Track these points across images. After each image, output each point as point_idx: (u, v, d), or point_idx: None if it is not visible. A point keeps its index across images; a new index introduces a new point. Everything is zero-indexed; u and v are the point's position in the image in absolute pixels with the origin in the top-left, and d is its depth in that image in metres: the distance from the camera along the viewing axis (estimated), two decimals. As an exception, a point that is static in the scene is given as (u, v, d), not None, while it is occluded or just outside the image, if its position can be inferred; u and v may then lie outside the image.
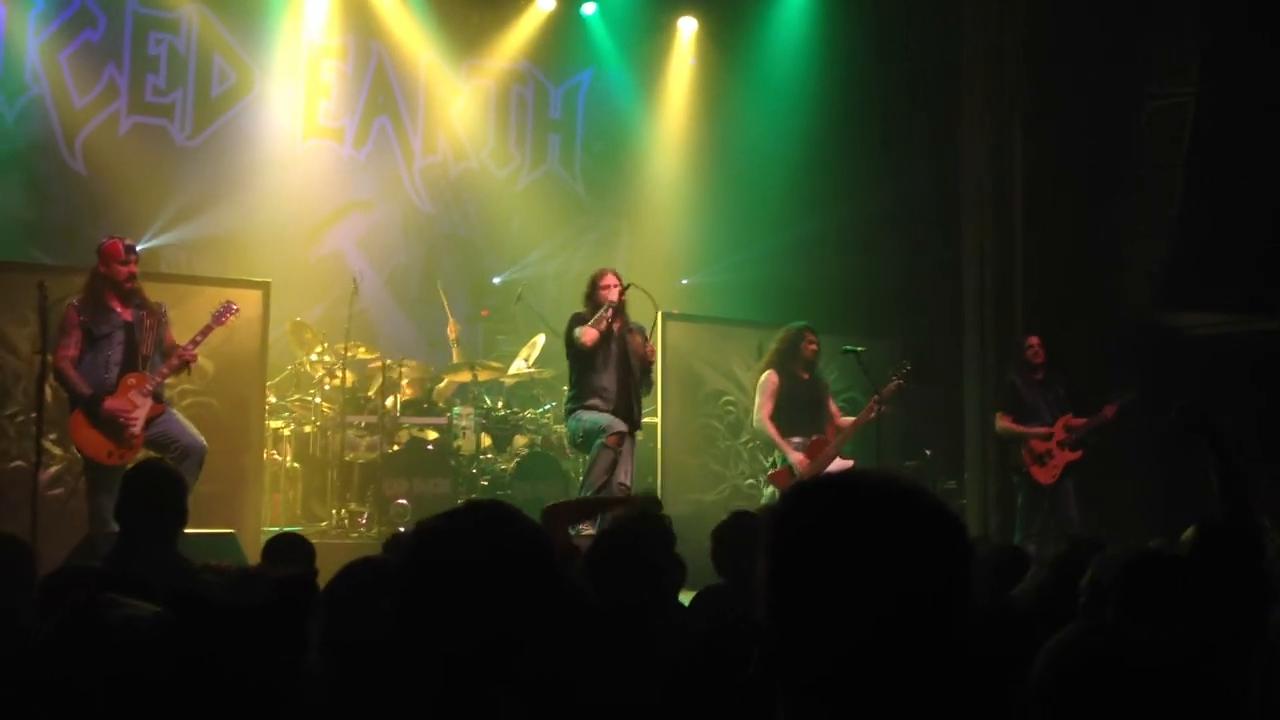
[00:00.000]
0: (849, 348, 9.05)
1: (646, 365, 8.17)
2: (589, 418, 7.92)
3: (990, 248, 10.97)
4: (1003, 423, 9.16)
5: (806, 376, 8.91)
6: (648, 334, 8.28)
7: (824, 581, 1.36)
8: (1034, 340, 9.24)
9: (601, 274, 8.21)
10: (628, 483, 8.00)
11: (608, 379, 7.97)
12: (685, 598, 4.07)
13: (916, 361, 9.27)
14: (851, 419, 8.89)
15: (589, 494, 7.67)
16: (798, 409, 8.78)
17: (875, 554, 1.36)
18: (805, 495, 1.46)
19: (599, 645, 2.25)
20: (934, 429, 10.56)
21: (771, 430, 8.68)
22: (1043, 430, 8.97)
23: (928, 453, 10.33)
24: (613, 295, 7.97)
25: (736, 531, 4.30)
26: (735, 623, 2.46)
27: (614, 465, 7.83)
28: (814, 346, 8.92)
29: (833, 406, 9.05)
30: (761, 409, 8.78)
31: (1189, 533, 3.51)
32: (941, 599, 1.37)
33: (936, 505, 1.42)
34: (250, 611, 1.87)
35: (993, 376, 10.45)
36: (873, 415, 8.66)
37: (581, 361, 8.01)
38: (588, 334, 7.89)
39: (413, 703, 1.74)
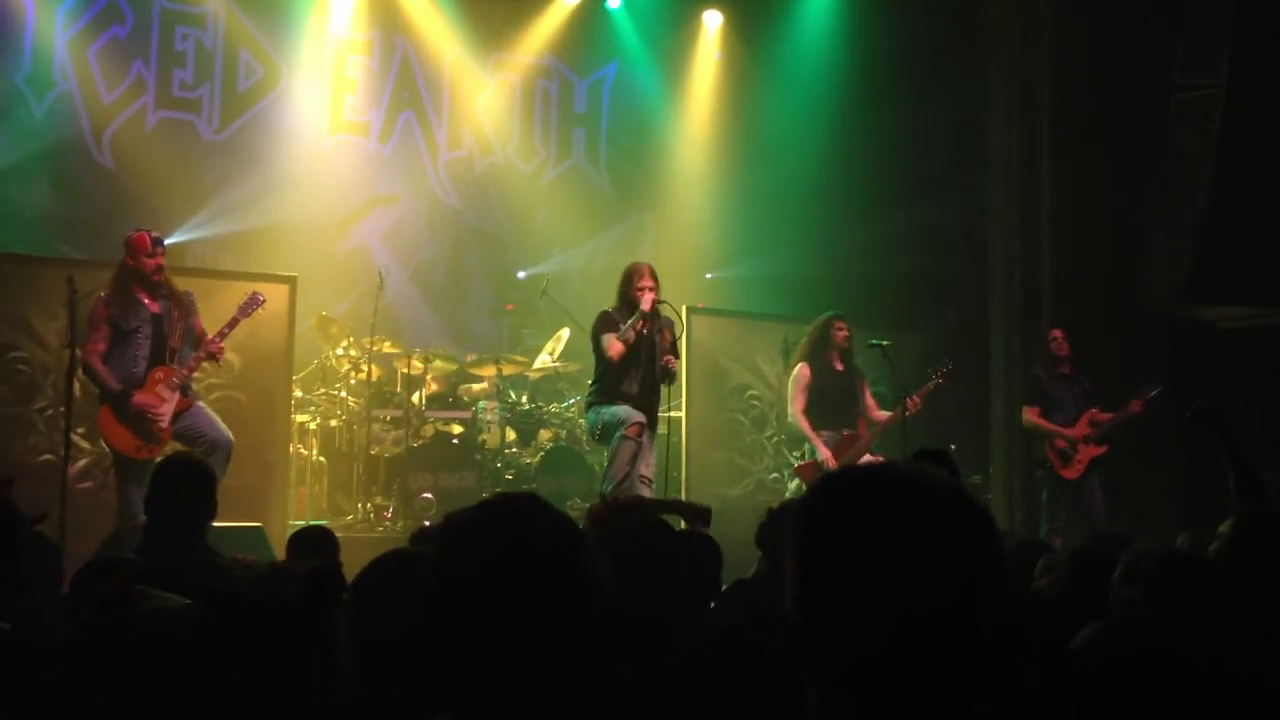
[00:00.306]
0: (875, 341, 9.01)
1: (667, 374, 8.07)
2: (608, 410, 7.90)
3: (1017, 241, 10.93)
4: (1029, 416, 9.13)
5: (841, 367, 8.84)
6: (677, 332, 8.21)
7: (852, 574, 1.36)
8: (1058, 333, 9.21)
9: (636, 271, 8.05)
10: (649, 475, 7.97)
11: (632, 379, 7.92)
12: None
13: (944, 356, 9.23)
14: (886, 414, 8.83)
15: (610, 487, 7.65)
16: (830, 402, 8.73)
17: (904, 547, 1.36)
18: (833, 487, 1.46)
19: (625, 642, 2.25)
20: (959, 423, 10.53)
21: (804, 424, 8.65)
22: (1069, 432, 8.92)
23: (953, 447, 10.28)
24: (646, 297, 7.84)
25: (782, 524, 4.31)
26: (762, 616, 2.46)
27: (635, 456, 7.80)
28: (844, 333, 8.84)
29: (868, 398, 8.96)
30: (794, 403, 8.74)
31: (1224, 527, 3.48)
32: (970, 592, 1.37)
33: (965, 498, 1.42)
34: (278, 605, 1.88)
35: (1019, 371, 10.42)
36: (906, 414, 8.60)
37: (606, 359, 7.98)
38: (614, 347, 7.82)
39: (441, 698, 1.74)
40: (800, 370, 8.80)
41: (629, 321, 7.82)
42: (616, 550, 3.04)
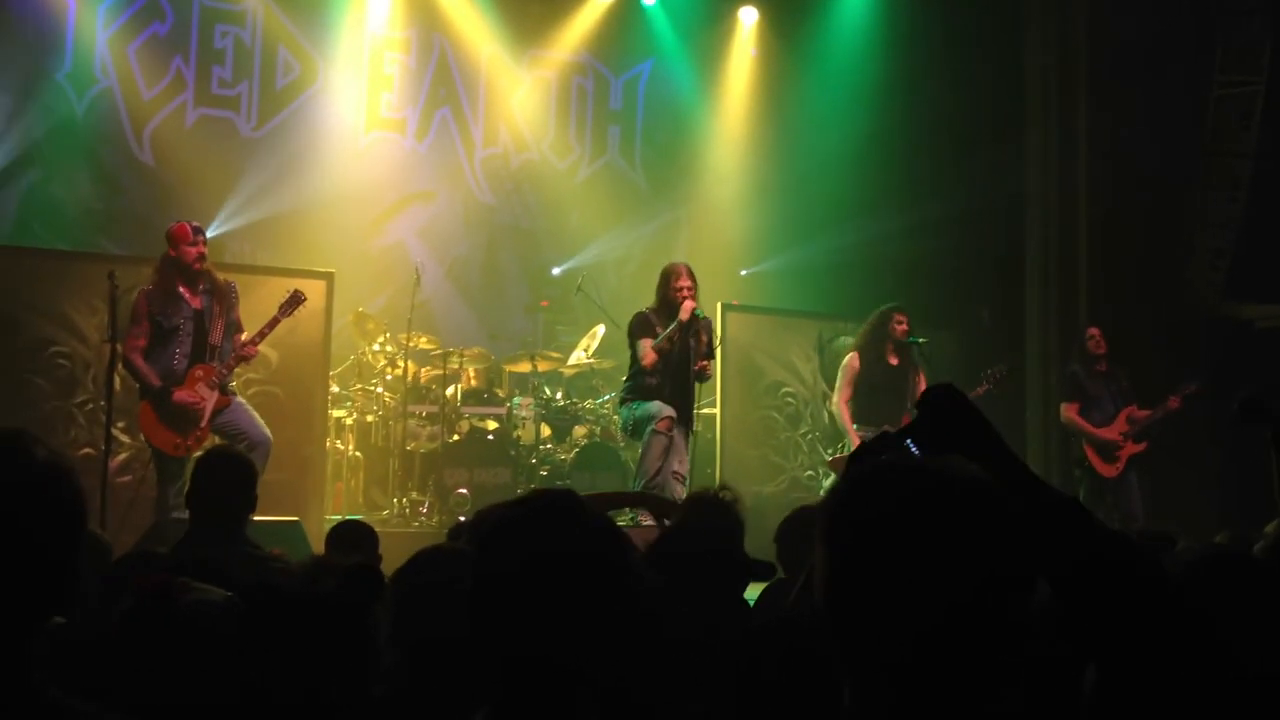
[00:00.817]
0: (911, 339, 8.96)
1: (701, 376, 8.06)
2: (640, 406, 7.90)
3: (1053, 238, 10.86)
4: (1068, 413, 9.06)
5: (895, 361, 8.74)
6: (715, 332, 8.20)
7: (881, 569, 1.37)
8: (1095, 331, 9.14)
9: (675, 271, 8.04)
10: (683, 472, 7.97)
11: (665, 379, 7.94)
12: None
13: (978, 353, 9.19)
14: None
15: (642, 483, 7.66)
16: (876, 396, 8.60)
17: (932, 542, 1.36)
18: (862, 482, 1.46)
19: (668, 647, 2.24)
20: (994, 420, 10.44)
21: (845, 415, 8.57)
22: (1104, 432, 8.86)
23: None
24: (686, 305, 7.81)
25: (801, 526, 4.27)
26: (801, 617, 2.45)
27: (667, 451, 7.80)
28: (903, 327, 8.71)
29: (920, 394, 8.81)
30: (839, 393, 8.67)
31: (1271, 527, 3.44)
32: (1007, 586, 1.37)
33: (992, 493, 1.42)
34: (316, 599, 1.89)
35: (1055, 368, 10.35)
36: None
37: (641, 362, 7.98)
38: (648, 355, 7.84)
39: (479, 694, 1.75)
40: (849, 360, 8.72)
41: (666, 330, 7.82)
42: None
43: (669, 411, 7.83)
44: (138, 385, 7.17)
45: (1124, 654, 1.57)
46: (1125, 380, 9.06)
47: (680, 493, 7.84)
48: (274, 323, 7.33)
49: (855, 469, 1.52)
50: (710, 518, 3.32)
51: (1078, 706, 1.80)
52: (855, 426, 8.52)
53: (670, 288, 7.95)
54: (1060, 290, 10.76)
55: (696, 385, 8.08)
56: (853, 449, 8.42)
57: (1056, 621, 1.64)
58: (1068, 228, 10.81)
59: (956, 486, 1.41)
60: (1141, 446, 8.88)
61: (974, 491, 1.41)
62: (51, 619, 1.50)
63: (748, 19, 12.80)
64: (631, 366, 8.14)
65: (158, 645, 1.93)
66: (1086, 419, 8.98)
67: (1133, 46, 10.45)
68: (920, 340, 8.88)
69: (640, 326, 7.99)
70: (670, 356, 7.89)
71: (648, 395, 7.91)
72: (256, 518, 6.72)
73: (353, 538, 4.65)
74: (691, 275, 7.98)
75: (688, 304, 7.81)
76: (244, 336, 7.36)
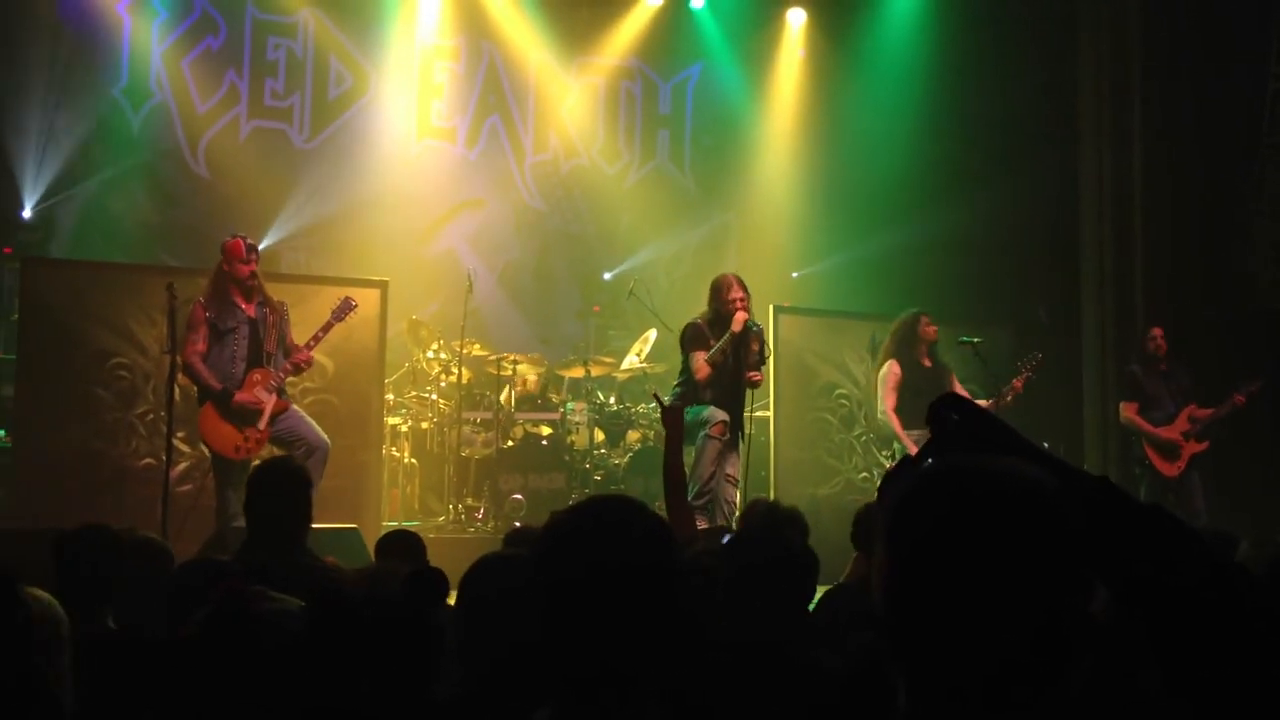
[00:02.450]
0: (965, 338, 8.90)
1: (752, 384, 8.02)
2: (691, 410, 7.86)
3: (1109, 234, 10.75)
4: (1127, 413, 8.95)
5: (929, 363, 8.72)
6: (766, 341, 8.16)
7: (943, 573, 1.35)
8: (1157, 331, 9.01)
9: (726, 283, 7.98)
10: (736, 475, 7.95)
11: (717, 387, 7.88)
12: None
13: (1035, 351, 9.09)
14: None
15: (696, 487, 7.63)
16: (921, 399, 8.56)
17: (997, 546, 1.34)
18: (926, 484, 1.44)
19: (728, 653, 2.24)
20: (1052, 421, 10.36)
21: (895, 423, 8.54)
22: (1165, 432, 8.75)
23: (1045, 445, 10.12)
24: (738, 317, 7.76)
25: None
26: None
27: (720, 456, 7.78)
28: (932, 329, 8.72)
29: (960, 393, 8.74)
30: (884, 401, 8.64)
31: None
32: (1063, 592, 1.35)
33: (1057, 497, 1.40)
34: (384, 604, 1.90)
35: (1113, 366, 10.23)
36: (1004, 401, 8.48)
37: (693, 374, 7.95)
38: (701, 370, 7.80)
39: (541, 694, 1.75)
40: (890, 368, 8.69)
41: (720, 343, 7.80)
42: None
43: (722, 416, 7.80)
44: (197, 391, 7.25)
45: (1195, 659, 1.53)
46: (1186, 379, 8.94)
47: (733, 496, 7.83)
48: (327, 327, 7.39)
49: (922, 472, 1.50)
50: (773, 526, 3.31)
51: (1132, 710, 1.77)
52: (907, 432, 8.48)
53: (722, 300, 7.92)
54: (1117, 286, 10.63)
55: (748, 391, 8.05)
56: (908, 455, 8.41)
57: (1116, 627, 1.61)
58: (1124, 222, 10.69)
59: (1020, 487, 1.39)
60: (1203, 445, 8.75)
61: (1038, 492, 1.39)
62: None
63: (796, 20, 12.76)
64: (682, 374, 8.11)
65: (234, 652, 1.95)
66: (1146, 418, 8.87)
67: (1188, 37, 10.33)
68: (975, 339, 8.82)
69: (694, 339, 7.95)
70: (723, 365, 7.88)
71: (699, 400, 7.89)
72: (316, 525, 6.81)
73: (401, 547, 4.67)
74: (743, 286, 7.93)
75: (740, 315, 7.78)
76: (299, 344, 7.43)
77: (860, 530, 4.51)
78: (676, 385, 8.19)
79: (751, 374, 7.91)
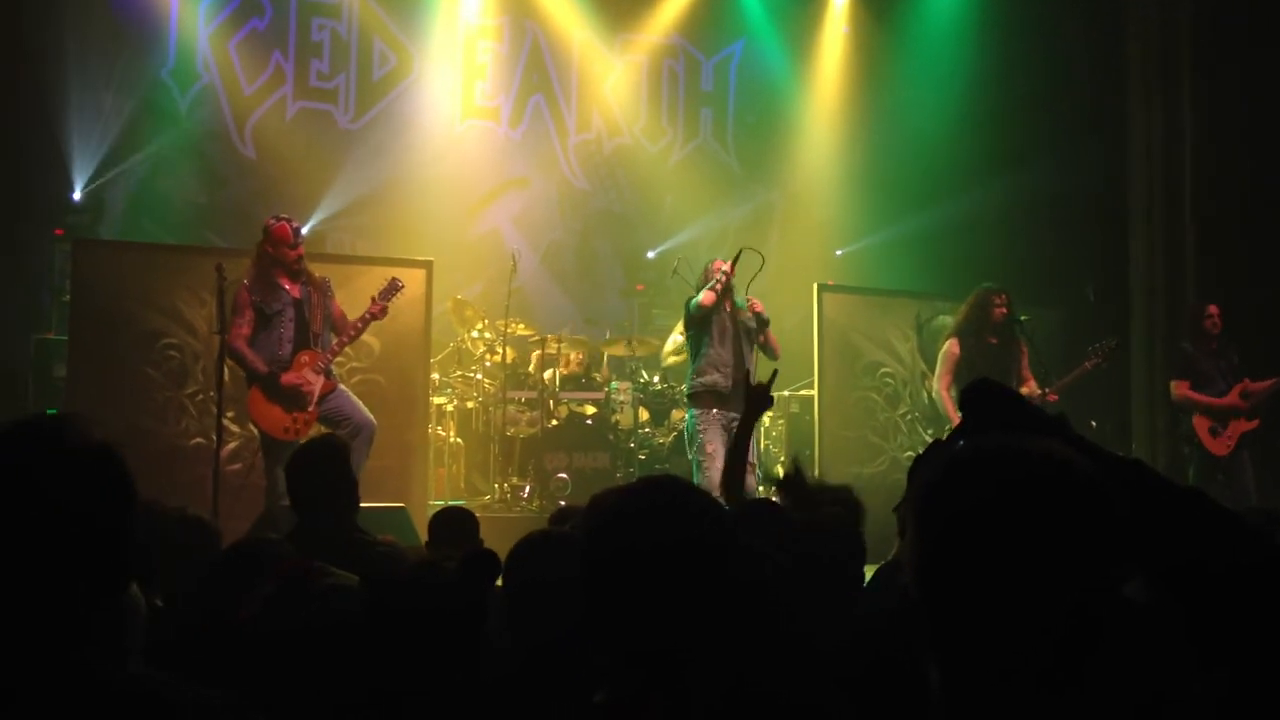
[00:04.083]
0: (1012, 317, 8.81)
1: (761, 322, 7.99)
2: (691, 419, 7.89)
3: (1159, 212, 10.62)
4: (1179, 390, 8.82)
5: (995, 342, 8.60)
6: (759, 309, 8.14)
7: (977, 555, 1.35)
8: (1214, 310, 8.83)
9: (713, 266, 8.08)
10: (753, 460, 7.90)
11: (724, 351, 7.86)
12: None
13: (1083, 330, 9.01)
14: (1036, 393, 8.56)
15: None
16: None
17: (1033, 529, 1.34)
18: (960, 466, 1.43)
19: (782, 632, 2.24)
20: (1101, 399, 10.27)
21: (947, 402, 8.45)
22: (1221, 402, 8.64)
23: (1093, 424, 10.05)
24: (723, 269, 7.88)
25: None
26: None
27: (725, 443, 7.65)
28: (1003, 310, 8.54)
29: (1025, 372, 8.62)
30: (940, 380, 8.56)
31: None
32: (1095, 574, 1.35)
33: (1094, 480, 1.39)
34: (439, 583, 1.93)
35: (1162, 344, 10.12)
36: (1077, 377, 8.44)
37: (700, 334, 7.95)
38: (706, 294, 7.79)
39: (594, 680, 1.77)
40: (949, 347, 8.58)
41: (712, 280, 7.82)
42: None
43: (714, 422, 7.77)
44: (245, 373, 7.31)
45: (1233, 641, 1.52)
46: (1235, 357, 8.82)
47: (752, 485, 7.81)
48: (381, 311, 7.40)
49: (955, 454, 1.50)
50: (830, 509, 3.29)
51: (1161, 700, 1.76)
52: (960, 413, 8.35)
53: (706, 272, 8.02)
54: (1166, 264, 10.51)
55: (762, 365, 7.99)
56: (938, 438, 8.29)
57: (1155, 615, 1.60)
58: (1173, 200, 10.56)
59: (1059, 469, 1.39)
60: (1254, 424, 8.64)
61: (1077, 474, 1.39)
62: (112, 598, 1.53)
63: (839, -4, 12.68)
64: (690, 350, 8.10)
65: (298, 629, 1.97)
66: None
67: (1237, 19, 10.17)
68: (1022, 318, 8.74)
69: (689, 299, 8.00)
70: (725, 332, 7.85)
71: (713, 379, 7.82)
72: (364, 504, 6.86)
73: (455, 523, 4.71)
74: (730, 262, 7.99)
75: (716, 264, 7.92)
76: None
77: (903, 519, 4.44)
78: (690, 364, 8.10)
79: (761, 338, 7.93)
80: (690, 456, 7.97)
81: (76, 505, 1.49)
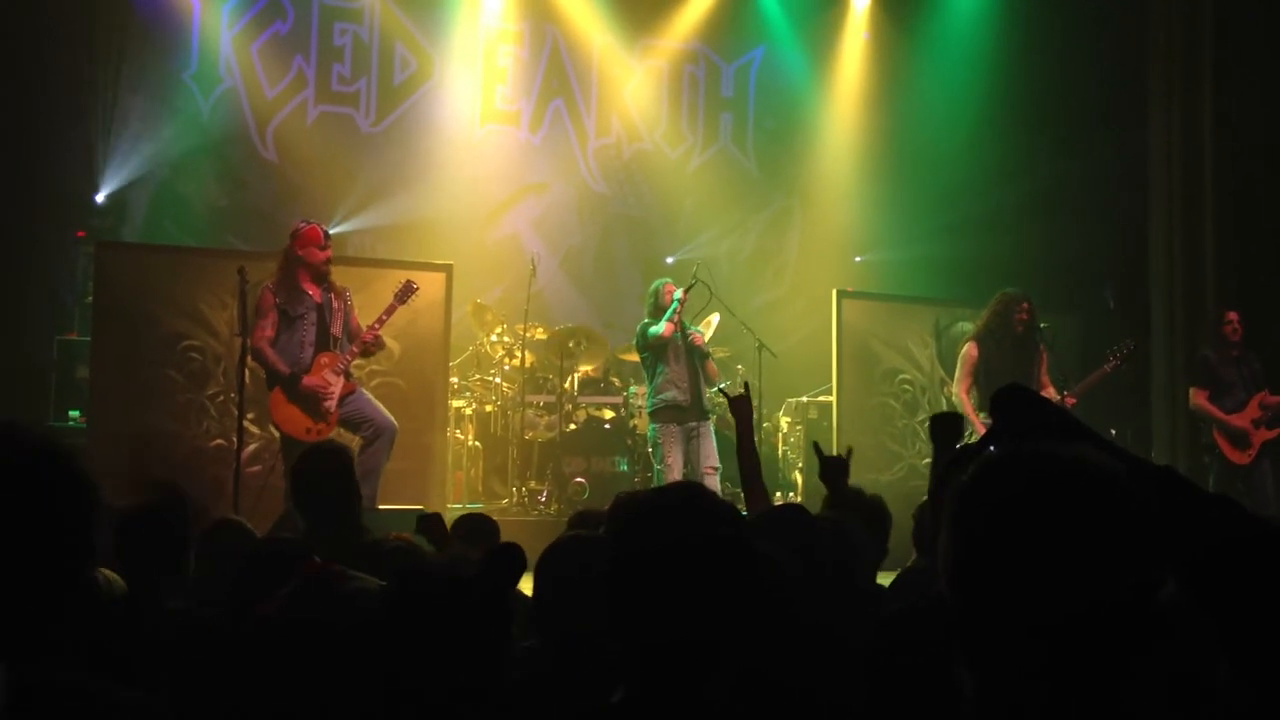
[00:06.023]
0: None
1: (701, 356, 8.73)
2: (653, 432, 8.54)
3: (1178, 217, 10.58)
4: (1197, 399, 8.78)
5: (1014, 347, 8.56)
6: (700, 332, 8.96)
7: (1014, 557, 1.35)
8: (1233, 316, 8.79)
9: (664, 289, 8.79)
10: (715, 464, 8.51)
11: (680, 368, 8.53)
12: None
13: (1103, 336, 8.97)
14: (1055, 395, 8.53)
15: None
16: (996, 384, 8.41)
17: (1065, 534, 1.35)
18: (992, 470, 1.44)
19: (802, 631, 2.26)
20: (1120, 406, 10.23)
21: (966, 405, 8.42)
22: (1236, 419, 8.59)
23: (1113, 432, 10.01)
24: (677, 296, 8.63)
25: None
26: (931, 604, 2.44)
27: (687, 447, 8.43)
28: (1025, 316, 8.53)
29: (1045, 382, 8.62)
30: (959, 384, 8.55)
31: None
32: (1139, 577, 1.35)
33: (1125, 485, 1.40)
34: (462, 581, 1.94)
35: (1182, 351, 10.08)
36: (1095, 380, 8.46)
37: (656, 356, 8.58)
38: (666, 326, 8.44)
39: (616, 675, 1.78)
40: (968, 350, 8.56)
41: (669, 311, 8.52)
42: None
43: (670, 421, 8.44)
44: (266, 375, 7.34)
45: (1264, 646, 1.52)
46: (1257, 364, 8.78)
47: (715, 486, 7.92)
48: (390, 309, 7.44)
49: (988, 458, 1.50)
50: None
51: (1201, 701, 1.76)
52: (980, 416, 8.36)
53: (657, 295, 8.79)
54: (1186, 270, 10.46)
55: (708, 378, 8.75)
56: (968, 444, 8.27)
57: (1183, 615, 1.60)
58: (1193, 205, 10.51)
59: (1092, 472, 1.39)
60: (1275, 433, 8.60)
61: (1110, 477, 1.39)
62: (69, 601, 1.51)
63: (860, 2, 12.66)
64: (647, 371, 8.76)
65: (319, 631, 1.99)
66: (1217, 405, 8.70)
67: (1259, 21, 10.13)
68: (1041, 325, 8.71)
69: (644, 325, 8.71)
70: (679, 352, 8.56)
71: (672, 395, 8.48)
72: (383, 506, 6.88)
73: (476, 528, 4.73)
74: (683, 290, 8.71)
75: (669, 288, 8.70)
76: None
77: (921, 531, 4.41)
78: (649, 383, 8.70)
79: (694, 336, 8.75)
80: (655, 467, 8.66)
81: (20, 508, 1.47)
